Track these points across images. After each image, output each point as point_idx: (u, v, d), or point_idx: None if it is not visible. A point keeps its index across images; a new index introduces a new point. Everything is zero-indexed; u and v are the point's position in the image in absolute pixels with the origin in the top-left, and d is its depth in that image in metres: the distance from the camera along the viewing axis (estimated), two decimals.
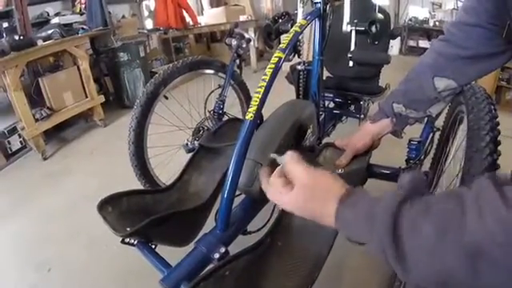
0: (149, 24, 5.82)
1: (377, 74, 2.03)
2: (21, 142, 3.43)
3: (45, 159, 3.16)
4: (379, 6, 1.88)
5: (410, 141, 1.20)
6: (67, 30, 3.72)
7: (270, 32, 1.43)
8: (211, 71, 1.67)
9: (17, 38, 3.13)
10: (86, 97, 3.77)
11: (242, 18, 5.76)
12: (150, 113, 1.47)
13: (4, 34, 3.51)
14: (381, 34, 1.33)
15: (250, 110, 0.86)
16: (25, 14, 3.65)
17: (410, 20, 9.57)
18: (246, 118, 0.87)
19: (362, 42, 1.40)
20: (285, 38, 0.99)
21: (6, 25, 3.62)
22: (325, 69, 2.01)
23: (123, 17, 5.35)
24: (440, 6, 11.14)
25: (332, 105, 1.99)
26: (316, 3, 1.31)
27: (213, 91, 1.65)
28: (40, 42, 3.28)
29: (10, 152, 3.33)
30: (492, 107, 0.90)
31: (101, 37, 4.34)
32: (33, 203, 2.41)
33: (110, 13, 4.55)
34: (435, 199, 0.46)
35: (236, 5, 6.34)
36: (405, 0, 11.04)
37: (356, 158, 1.15)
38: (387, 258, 0.46)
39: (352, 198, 0.56)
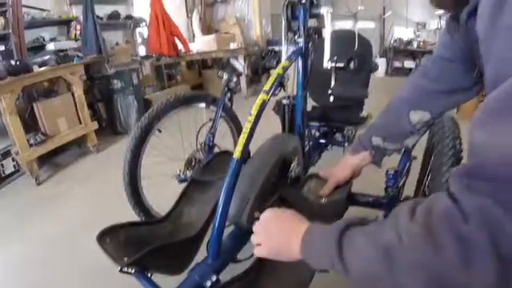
0: (142, 51, 5.92)
1: (361, 103, 2.13)
2: (14, 165, 3.45)
3: (38, 184, 3.18)
4: (361, 36, 2.00)
5: (387, 171, 1.29)
6: (63, 56, 3.80)
7: (257, 68, 1.53)
8: (203, 105, 1.76)
9: (13, 62, 3.19)
10: (80, 123, 3.84)
11: (233, 45, 5.91)
12: (143, 145, 1.55)
13: (0, 58, 3.59)
14: (360, 69, 1.44)
15: (237, 148, 0.94)
16: (21, 38, 3.76)
17: (395, 41, 9.84)
18: (234, 156, 0.95)
19: (343, 75, 1.50)
20: (269, 80, 1.08)
21: (2, 48, 3.70)
22: (311, 98, 2.13)
23: (117, 44, 5.49)
24: (424, 26, 11.47)
25: (318, 134, 2.08)
26: (298, 42, 1.42)
27: (204, 124, 1.73)
28: (36, 68, 3.36)
29: (2, 175, 3.35)
30: (456, 142, 0.99)
31: (95, 64, 4.44)
32: (26, 229, 2.42)
33: (104, 40, 4.67)
34: (369, 225, 0.60)
35: (226, 32, 6.49)
36: (390, 22, 11.35)
37: (338, 187, 1.23)
38: (333, 264, 0.61)
39: (311, 235, 0.69)
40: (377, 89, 6.70)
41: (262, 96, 1.01)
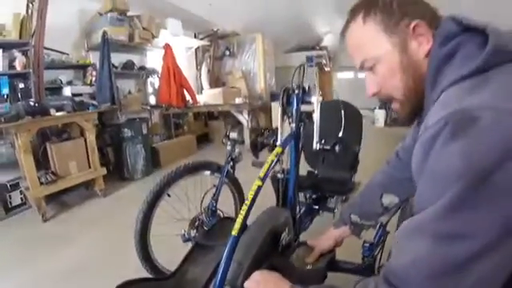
0: (152, 99, 6.22)
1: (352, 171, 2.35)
2: (21, 198, 3.68)
3: (45, 221, 3.35)
4: (350, 106, 2.27)
5: (364, 242, 1.50)
6: (79, 103, 4.00)
7: (256, 145, 1.78)
8: (208, 172, 1.99)
9: (32, 103, 3.44)
10: (90, 167, 4.04)
11: (238, 100, 6.20)
12: (154, 208, 1.77)
13: (20, 95, 3.82)
14: (346, 151, 1.68)
15: (235, 226, 1.16)
16: (40, 78, 3.97)
17: None
18: (232, 232, 1.16)
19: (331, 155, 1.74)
20: (264, 166, 1.31)
21: (22, 85, 3.91)
22: (306, 163, 2.35)
23: (129, 92, 5.77)
24: None
25: (310, 200, 2.27)
26: (292, 127, 1.68)
27: (208, 191, 1.95)
28: (53, 111, 3.58)
29: (10, 206, 3.56)
30: None
31: (108, 112, 4.74)
32: (29, 264, 2.53)
33: (117, 88, 4.96)
34: None
35: (233, 87, 6.84)
36: None
37: (323, 255, 1.44)
38: None
39: None
40: (376, 137, 7.02)
41: (257, 182, 1.24)
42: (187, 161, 1.96)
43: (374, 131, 8.80)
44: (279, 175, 1.76)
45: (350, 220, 1.39)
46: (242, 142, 2.02)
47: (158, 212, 1.82)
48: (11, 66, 3.88)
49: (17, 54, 3.91)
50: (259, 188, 1.24)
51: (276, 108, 5.30)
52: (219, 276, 1.16)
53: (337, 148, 1.62)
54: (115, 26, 5.03)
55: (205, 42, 7.61)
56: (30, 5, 4.03)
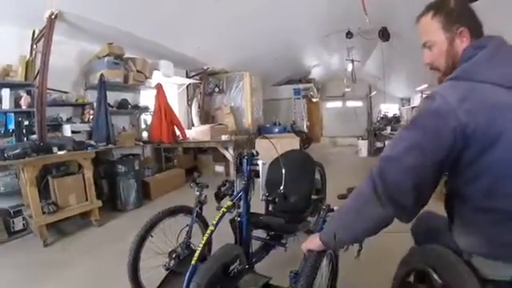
0: (145, 134, 6.68)
1: (302, 216, 2.84)
2: (23, 224, 4.11)
3: (45, 246, 3.73)
4: (308, 158, 2.83)
5: (290, 272, 1.99)
6: (79, 143, 4.49)
7: (219, 195, 2.33)
8: (182, 214, 2.48)
9: (37, 142, 3.96)
10: (87, 200, 4.48)
11: (224, 137, 6.68)
12: (142, 246, 2.24)
13: (24, 131, 4.33)
14: (286, 202, 2.24)
15: (194, 258, 1.69)
16: (43, 117, 4.41)
17: (382, 118, 10.98)
18: (192, 262, 1.69)
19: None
20: (217, 215, 1.86)
21: (26, 122, 4.40)
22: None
23: (124, 129, 6.22)
24: (409, 101, 12.68)
25: (267, 237, 2.71)
26: (243, 183, 2.23)
27: (182, 229, 2.38)
28: (55, 149, 4.06)
29: (12, 230, 3.99)
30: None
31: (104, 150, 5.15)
32: (34, 286, 2.79)
33: (112, 125, 5.36)
34: None
35: (220, 124, 7.39)
36: (376, 100, 12.49)
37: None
38: None
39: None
40: (358, 166, 7.48)
41: (211, 228, 1.78)
42: (176, 193, 2.43)
43: (357, 161, 9.38)
44: (237, 218, 2.29)
45: None
46: (207, 186, 2.55)
47: (145, 248, 2.29)
48: (17, 105, 4.33)
49: (22, 93, 4.38)
50: (212, 232, 1.78)
51: (259, 142, 5.84)
52: None
53: (276, 200, 2.17)
54: (112, 69, 5.52)
55: (195, 80, 8.19)
56: (35, 46, 4.57)
